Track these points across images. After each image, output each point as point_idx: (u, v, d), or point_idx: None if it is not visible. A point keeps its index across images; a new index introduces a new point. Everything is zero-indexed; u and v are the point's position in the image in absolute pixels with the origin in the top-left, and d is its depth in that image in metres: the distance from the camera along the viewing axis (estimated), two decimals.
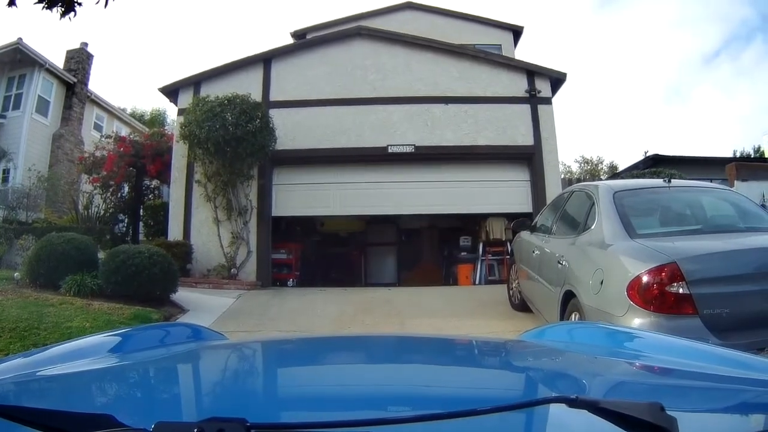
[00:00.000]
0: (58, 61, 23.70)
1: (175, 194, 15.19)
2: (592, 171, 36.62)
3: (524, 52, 38.71)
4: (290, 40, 20.19)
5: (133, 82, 77.08)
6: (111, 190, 18.16)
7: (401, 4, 22.29)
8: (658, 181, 7.04)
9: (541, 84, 15.29)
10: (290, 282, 15.55)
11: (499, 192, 15.07)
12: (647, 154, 20.45)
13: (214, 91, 14.35)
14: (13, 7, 5.77)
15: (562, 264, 6.48)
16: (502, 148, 14.87)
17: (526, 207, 14.76)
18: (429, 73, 15.43)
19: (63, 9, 5.88)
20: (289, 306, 11.37)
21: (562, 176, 17.22)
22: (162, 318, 9.33)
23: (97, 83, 74.73)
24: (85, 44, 24.56)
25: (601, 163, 38.02)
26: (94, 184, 18.16)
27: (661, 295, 4.72)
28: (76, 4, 5.93)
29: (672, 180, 6.82)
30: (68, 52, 24.42)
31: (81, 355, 1.87)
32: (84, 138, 23.90)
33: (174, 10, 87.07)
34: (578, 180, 19.58)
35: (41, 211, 18.81)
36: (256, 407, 1.39)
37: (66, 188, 19.93)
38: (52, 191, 19.82)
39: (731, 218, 6.48)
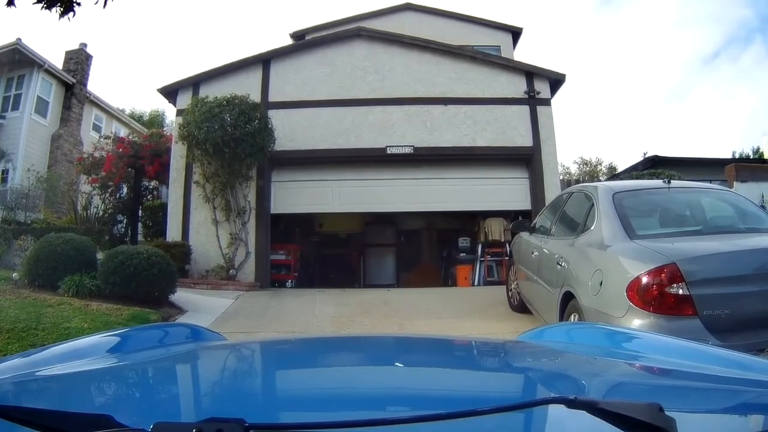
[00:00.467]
0: (58, 61, 23.69)
1: (173, 195, 15.16)
2: (590, 172, 36.51)
3: (523, 53, 38.84)
4: (289, 41, 20.13)
5: (132, 83, 77.08)
6: (110, 190, 18.12)
7: (400, 5, 22.26)
8: (658, 182, 7.03)
9: (540, 85, 15.28)
10: (289, 283, 15.55)
11: (498, 190, 15.10)
12: (646, 156, 20.45)
13: (213, 92, 14.36)
14: (12, 6, 5.76)
15: (561, 265, 6.47)
16: (501, 149, 14.87)
17: (525, 205, 14.83)
18: (428, 74, 15.42)
19: (62, 9, 5.87)
20: (288, 307, 11.35)
21: (561, 177, 17.17)
22: (160, 319, 9.30)
23: (97, 84, 74.80)
24: (84, 45, 24.53)
25: (600, 164, 37.87)
26: (93, 184, 18.13)
27: (660, 296, 4.71)
28: (75, 4, 5.92)
29: (671, 181, 6.80)
30: (67, 52, 24.35)
31: (80, 355, 1.87)
32: (83, 139, 23.87)
33: (173, 11, 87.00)
34: (577, 181, 19.56)
35: (40, 212, 18.75)
36: (254, 408, 1.39)
37: (65, 189, 19.87)
38: (51, 192, 19.72)
39: (731, 219, 6.46)
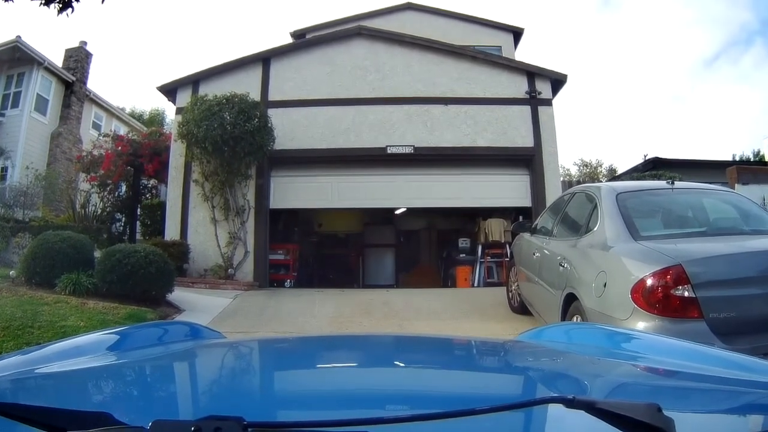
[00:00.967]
0: (58, 59, 23.65)
1: (172, 193, 15.08)
2: (591, 174, 36.39)
3: (524, 53, 38.64)
4: (290, 41, 20.06)
5: (132, 82, 77.04)
6: (108, 189, 18.05)
7: (401, 4, 22.20)
8: (661, 183, 6.97)
9: (541, 85, 15.19)
10: (288, 283, 15.50)
11: (498, 187, 15.03)
12: (646, 158, 20.35)
13: (213, 90, 14.27)
14: (10, 2, 5.69)
15: (563, 266, 6.38)
16: (502, 149, 14.78)
17: (525, 202, 14.82)
18: (428, 73, 15.34)
19: (60, 5, 5.81)
20: (286, 307, 11.24)
21: (562, 179, 17.07)
22: (157, 318, 9.20)
23: (97, 83, 74.65)
24: (84, 43, 24.46)
25: (600, 166, 37.72)
26: (92, 182, 18.07)
27: (666, 299, 4.63)
28: (73, 0, 5.85)
29: (675, 182, 6.72)
30: (67, 50, 24.28)
31: (79, 353, 1.88)
32: (82, 137, 23.80)
33: (174, 10, 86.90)
34: (578, 182, 19.48)
35: (38, 210, 18.71)
36: (253, 406, 1.39)
37: (64, 187, 19.79)
38: (50, 190, 19.69)
39: (735, 220, 6.40)
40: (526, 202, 14.78)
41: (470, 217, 17.81)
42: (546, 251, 7.50)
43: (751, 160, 29.83)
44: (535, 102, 15.03)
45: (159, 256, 10.23)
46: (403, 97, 15.06)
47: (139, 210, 18.01)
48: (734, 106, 72.94)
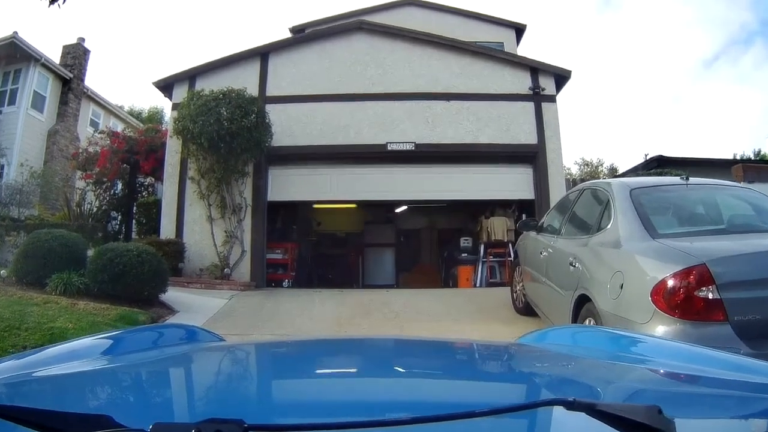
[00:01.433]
0: (55, 56, 23.37)
1: (167, 191, 14.79)
2: (591, 173, 36.16)
3: (526, 50, 38.24)
4: (289, 36, 19.75)
5: (131, 80, 76.83)
6: (104, 186, 17.79)
7: (402, 0, 21.87)
8: (674, 179, 6.66)
9: (545, 81, 14.90)
10: (285, 283, 15.21)
11: (501, 179, 14.82)
12: (648, 156, 20.08)
13: (210, 85, 13.97)
14: None
15: (574, 266, 6.06)
16: (505, 146, 14.50)
17: (528, 195, 14.62)
18: (430, 68, 15.04)
19: None
20: (283, 308, 10.94)
21: (565, 177, 16.78)
22: (149, 319, 8.93)
23: (96, 81, 74.08)
24: (82, 39, 24.17)
25: (601, 165, 37.56)
26: (87, 180, 17.85)
27: (688, 301, 4.31)
28: None
29: (689, 178, 6.40)
30: (65, 47, 24.00)
31: (79, 355, 1.87)
32: (80, 134, 23.48)
33: (173, 6, 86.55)
34: (581, 181, 19.24)
35: (34, 208, 18.44)
36: (253, 409, 1.40)
37: (60, 185, 19.55)
38: (46, 188, 19.46)
39: (752, 217, 6.04)
40: (528, 194, 14.55)
41: (472, 216, 17.62)
42: (554, 250, 7.18)
43: (752, 159, 29.52)
44: (538, 98, 14.73)
45: (152, 255, 9.95)
46: (404, 92, 14.77)
47: (135, 208, 17.73)
48: (734, 107, 72.74)
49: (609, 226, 5.76)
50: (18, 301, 8.70)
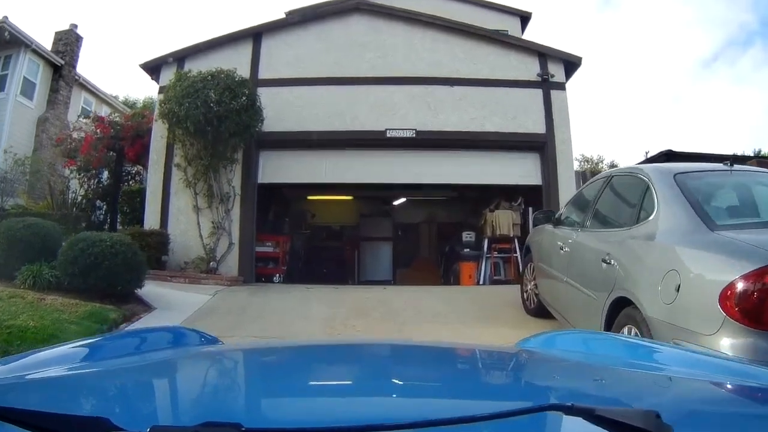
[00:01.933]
0: (47, 43, 22.55)
1: (152, 179, 14.00)
2: (592, 170, 35.47)
3: (532, 39, 37.44)
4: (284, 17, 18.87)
5: (127, 71, 76.10)
6: (89, 174, 16.95)
7: None
8: (718, 165, 5.77)
9: (553, 68, 14.06)
10: (276, 278, 14.41)
11: (507, 164, 14.12)
12: (648, 154, 19.57)
13: (200, 67, 13.07)
14: None
15: (609, 264, 5.15)
16: (512, 135, 13.64)
17: (535, 180, 13.89)
18: (432, 52, 14.19)
19: None
20: (272, 306, 10.09)
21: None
22: (121, 317, 8.11)
23: (91, 70, 72.99)
24: (75, 26, 23.35)
25: (602, 161, 36.88)
26: (70, 167, 17.01)
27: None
28: None
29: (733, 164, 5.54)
30: (57, 33, 23.24)
31: (77, 358, 1.89)
32: (70, 122, 22.51)
33: None
34: (592, 174, 18.40)
35: (20, 197, 17.76)
36: (251, 413, 1.41)
37: (48, 172, 18.72)
38: (34, 177, 18.68)
39: None
40: (536, 181, 13.81)
41: (474, 210, 16.99)
42: (578, 246, 6.30)
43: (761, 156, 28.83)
44: (547, 85, 13.92)
45: (127, 246, 9.08)
46: (405, 76, 13.92)
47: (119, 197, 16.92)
48: (731, 107, 71.95)
49: (652, 217, 4.86)
50: None
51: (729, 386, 1.52)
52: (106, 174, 17.56)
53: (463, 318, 8.96)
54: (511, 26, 20.54)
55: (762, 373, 1.62)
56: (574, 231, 6.68)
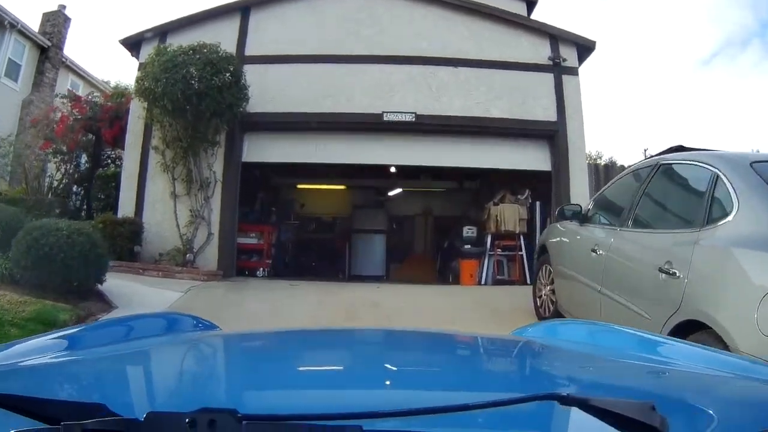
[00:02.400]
0: (35, 24, 21.80)
1: (128, 163, 12.96)
2: (595, 164, 34.61)
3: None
4: None
5: (119, 55, 74.92)
6: (65, 157, 15.97)
7: None
8: None
9: (565, 51, 13.00)
10: (260, 272, 13.49)
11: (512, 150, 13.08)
12: (647, 152, 18.80)
13: (182, 43, 12.00)
14: None
15: (671, 274, 4.05)
16: (520, 122, 12.56)
17: (544, 166, 12.86)
18: (435, 30, 13.08)
19: None
20: (249, 307, 9.04)
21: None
22: (73, 319, 7.00)
23: (82, 54, 71.90)
24: (63, 6, 22.62)
25: (600, 158, 36.06)
26: (45, 150, 16.02)
27: None
28: None
29: None
30: (45, 14, 22.47)
31: (72, 344, 1.88)
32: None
33: None
34: (606, 169, 17.51)
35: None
36: (247, 398, 1.42)
37: (26, 156, 17.69)
38: (16, 161, 17.80)
39: None
40: (545, 166, 12.83)
41: (473, 203, 16.22)
42: (621, 249, 5.20)
43: None
44: (558, 70, 12.84)
45: (86, 236, 8.02)
46: (405, 56, 12.81)
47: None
48: (727, 108, 71.24)
49: (731, 218, 3.77)
50: None
51: (726, 380, 1.52)
52: (85, 158, 16.70)
53: (469, 325, 7.82)
54: (516, 10, 19.45)
55: (757, 368, 1.60)
56: (610, 231, 5.59)
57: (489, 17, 13.25)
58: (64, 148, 15.59)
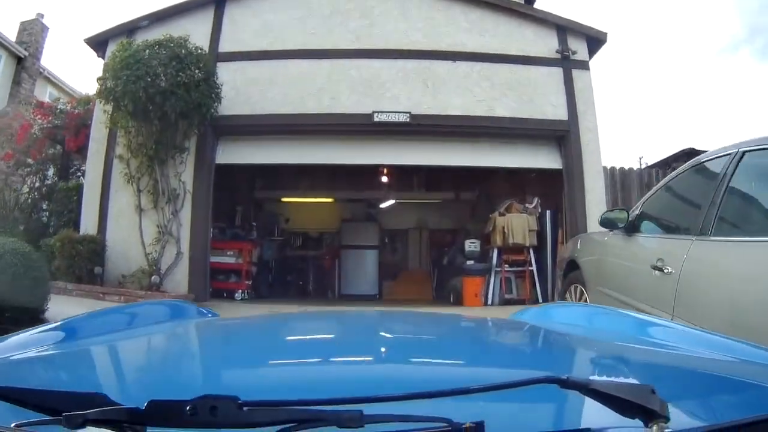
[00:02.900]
0: (12, 33, 21.53)
1: (90, 173, 11.73)
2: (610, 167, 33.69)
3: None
4: None
5: (99, 66, 73.33)
6: (29, 170, 14.78)
7: None
8: None
9: (575, 44, 11.82)
10: (239, 294, 12.32)
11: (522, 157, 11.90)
12: (642, 160, 18.47)
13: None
14: None
15: None
16: (528, 122, 11.32)
17: (555, 164, 11.72)
18: (430, 21, 11.85)
19: None
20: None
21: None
22: None
23: (62, 66, 70.87)
24: (41, 15, 22.15)
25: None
26: (7, 161, 14.56)
27: None
28: None
29: None
30: (22, 23, 22.04)
31: (71, 334, 1.86)
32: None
33: None
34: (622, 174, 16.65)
35: None
36: (249, 385, 1.40)
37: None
38: None
39: None
40: (555, 164, 11.69)
41: (473, 214, 15.39)
42: (706, 265, 3.88)
43: None
44: (568, 64, 11.63)
45: (22, 257, 6.80)
46: (397, 49, 11.56)
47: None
48: (734, 109, 70.75)
49: None
50: None
51: (726, 364, 1.49)
52: (53, 170, 15.47)
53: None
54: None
55: (758, 352, 1.51)
56: (681, 241, 4.23)
57: (489, 6, 12.04)
58: (29, 160, 14.51)
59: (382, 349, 1.93)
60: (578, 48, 11.77)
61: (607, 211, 5.84)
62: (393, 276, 17.28)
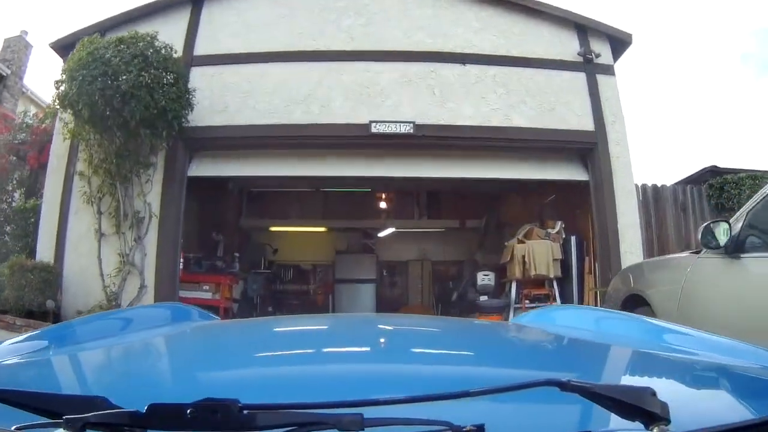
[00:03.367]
0: None
1: (49, 192, 10.40)
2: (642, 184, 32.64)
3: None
4: None
5: None
6: None
7: None
8: None
9: (597, 45, 10.60)
10: None
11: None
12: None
13: None
14: None
15: None
16: (549, 133, 9.99)
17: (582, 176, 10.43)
18: (436, 19, 10.59)
19: None
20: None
21: None
22: None
23: (49, 86, 70.26)
24: (25, 32, 21.22)
25: None
26: None
27: None
28: None
29: None
30: (6, 40, 21.24)
31: (71, 337, 1.94)
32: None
33: None
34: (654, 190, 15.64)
35: None
36: (249, 388, 1.40)
37: None
38: None
39: None
40: (581, 189, 10.47)
41: (480, 243, 14.55)
42: None
43: None
44: (591, 68, 10.39)
45: None
46: (398, 50, 10.29)
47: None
48: (738, 120, 70.04)
49: None
50: None
51: (727, 366, 1.51)
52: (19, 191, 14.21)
53: None
54: None
55: (758, 352, 1.57)
56: None
57: (502, 3, 10.86)
58: None
59: (384, 353, 1.91)
60: (601, 50, 10.57)
61: (710, 222, 4.30)
62: (392, 312, 15.66)
